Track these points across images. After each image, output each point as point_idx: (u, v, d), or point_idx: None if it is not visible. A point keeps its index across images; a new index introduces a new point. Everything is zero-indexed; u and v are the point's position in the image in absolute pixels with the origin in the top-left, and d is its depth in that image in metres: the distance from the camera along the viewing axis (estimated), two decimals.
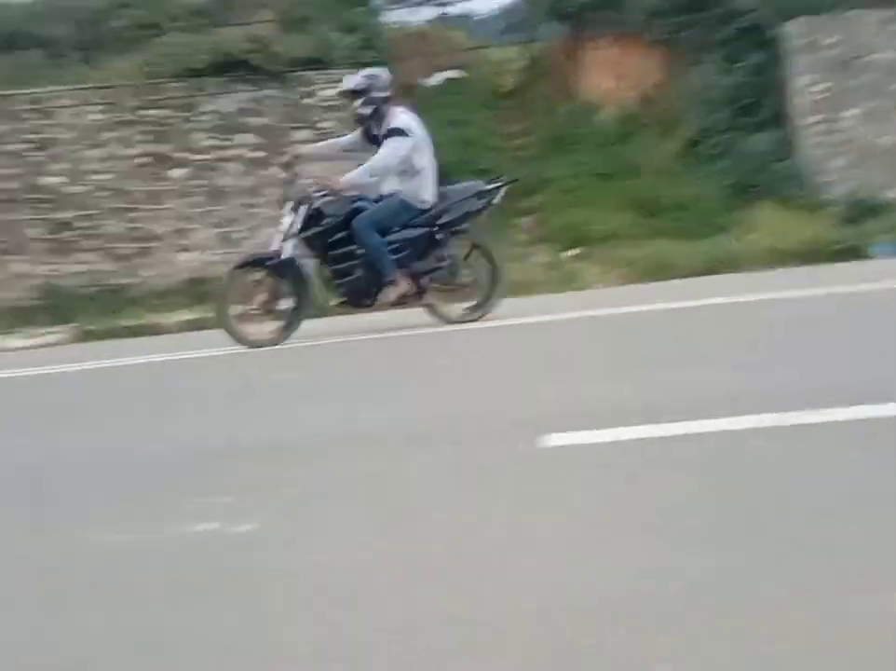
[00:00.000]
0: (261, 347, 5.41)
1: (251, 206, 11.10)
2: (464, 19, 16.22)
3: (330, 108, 11.23)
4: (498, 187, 5.89)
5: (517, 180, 7.12)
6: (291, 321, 5.61)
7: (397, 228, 5.61)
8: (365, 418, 3.00)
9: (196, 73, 10.65)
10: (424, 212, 5.67)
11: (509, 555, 1.62)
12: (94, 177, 10.75)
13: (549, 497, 1.97)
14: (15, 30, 11.83)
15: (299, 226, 5.54)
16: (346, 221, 5.54)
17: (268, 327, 5.61)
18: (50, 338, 9.13)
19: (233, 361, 5.37)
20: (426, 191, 5.67)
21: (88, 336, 8.98)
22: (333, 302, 5.86)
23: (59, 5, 11.87)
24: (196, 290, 10.55)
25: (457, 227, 5.80)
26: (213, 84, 10.83)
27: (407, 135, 5.50)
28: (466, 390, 3.46)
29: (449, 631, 1.32)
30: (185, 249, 10.97)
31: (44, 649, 1.29)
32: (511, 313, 6.00)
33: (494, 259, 5.86)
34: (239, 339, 5.47)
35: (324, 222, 5.56)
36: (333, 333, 5.88)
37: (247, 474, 2.32)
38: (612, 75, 12.54)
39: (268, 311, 5.62)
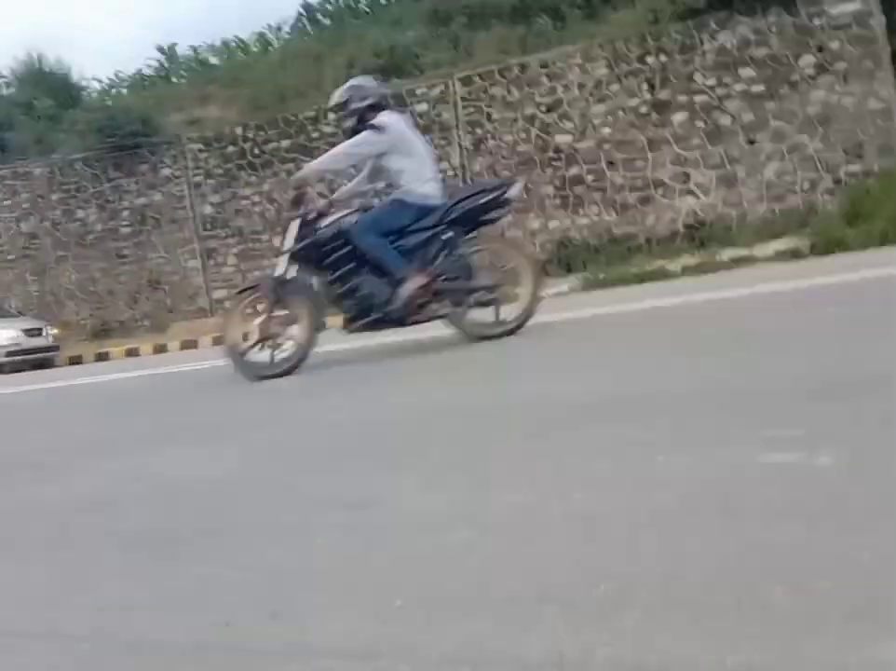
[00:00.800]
0: (266, 378, 4.87)
1: (753, 142, 10.67)
2: None
3: (840, 27, 10.27)
4: (509, 185, 5.15)
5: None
6: (299, 347, 5.00)
7: (394, 236, 4.97)
8: None
9: (696, 11, 10.46)
10: (429, 212, 5.01)
11: None
12: (599, 132, 11.22)
13: None
14: None
15: (292, 242, 5.02)
16: (344, 232, 4.99)
17: (277, 354, 5.01)
18: (563, 289, 9.77)
19: (769, 301, 5.10)
20: (420, 188, 5.04)
21: (598, 285, 9.43)
22: (344, 325, 5.15)
23: None
24: (698, 233, 10.53)
25: (470, 227, 5.06)
26: (715, 19, 10.55)
27: (382, 131, 4.99)
28: None
29: None
30: (686, 193, 10.94)
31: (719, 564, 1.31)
32: None
33: (527, 268, 5.09)
34: (243, 369, 4.98)
35: (318, 234, 5.02)
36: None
37: (822, 409, 2.17)
38: None
39: (271, 337, 5.01)
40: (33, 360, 12.55)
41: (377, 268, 4.98)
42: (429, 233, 4.99)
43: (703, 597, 1.17)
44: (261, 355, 5.02)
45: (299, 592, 1.44)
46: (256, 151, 13.56)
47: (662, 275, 9.11)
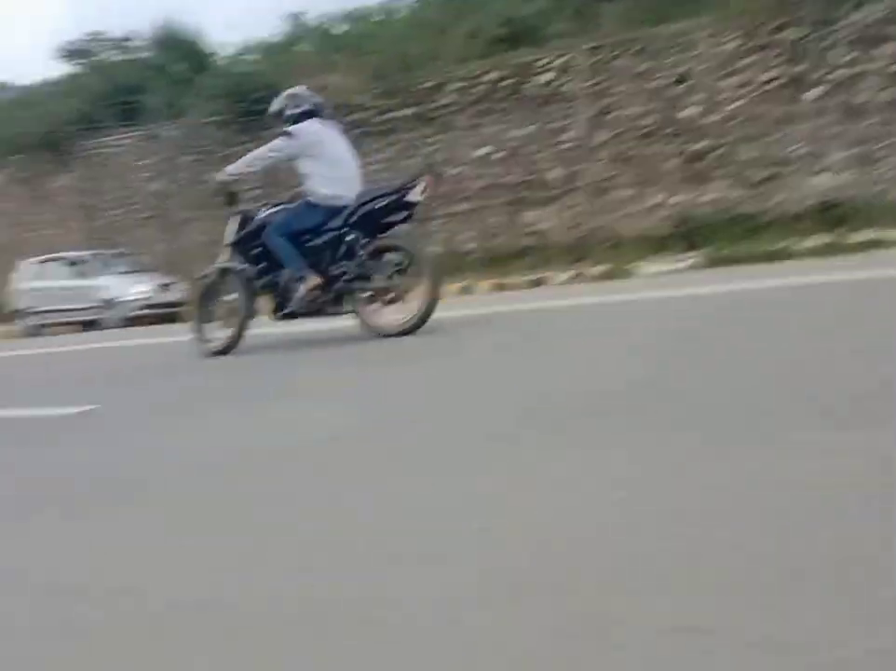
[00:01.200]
0: (212, 355, 5.55)
1: (891, 122, 10.25)
2: None
3: None
4: (413, 184, 5.26)
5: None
6: (237, 329, 5.60)
7: (308, 236, 5.35)
8: None
9: None
10: (340, 213, 5.30)
11: None
12: (728, 106, 10.98)
13: None
14: None
15: (232, 235, 5.68)
16: (263, 228, 5.52)
17: (224, 334, 5.67)
18: (683, 265, 9.65)
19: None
20: (324, 190, 5.36)
21: (720, 262, 9.26)
22: (271, 314, 5.74)
23: None
24: (829, 214, 10.22)
25: (372, 229, 5.25)
26: None
27: (293, 137, 5.39)
28: None
29: None
30: (818, 172, 10.62)
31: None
32: None
33: (425, 267, 5.17)
34: (198, 346, 5.70)
35: (246, 230, 5.61)
36: None
37: None
38: None
39: (223, 318, 5.74)
40: (164, 314, 13.17)
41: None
42: (334, 234, 5.33)
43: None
44: (215, 335, 5.73)
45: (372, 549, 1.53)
46: (377, 119, 13.76)
47: (786, 255, 8.90)
